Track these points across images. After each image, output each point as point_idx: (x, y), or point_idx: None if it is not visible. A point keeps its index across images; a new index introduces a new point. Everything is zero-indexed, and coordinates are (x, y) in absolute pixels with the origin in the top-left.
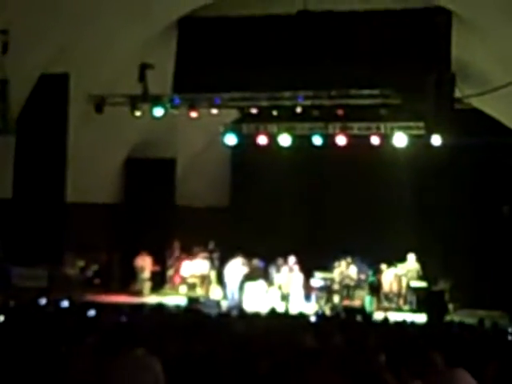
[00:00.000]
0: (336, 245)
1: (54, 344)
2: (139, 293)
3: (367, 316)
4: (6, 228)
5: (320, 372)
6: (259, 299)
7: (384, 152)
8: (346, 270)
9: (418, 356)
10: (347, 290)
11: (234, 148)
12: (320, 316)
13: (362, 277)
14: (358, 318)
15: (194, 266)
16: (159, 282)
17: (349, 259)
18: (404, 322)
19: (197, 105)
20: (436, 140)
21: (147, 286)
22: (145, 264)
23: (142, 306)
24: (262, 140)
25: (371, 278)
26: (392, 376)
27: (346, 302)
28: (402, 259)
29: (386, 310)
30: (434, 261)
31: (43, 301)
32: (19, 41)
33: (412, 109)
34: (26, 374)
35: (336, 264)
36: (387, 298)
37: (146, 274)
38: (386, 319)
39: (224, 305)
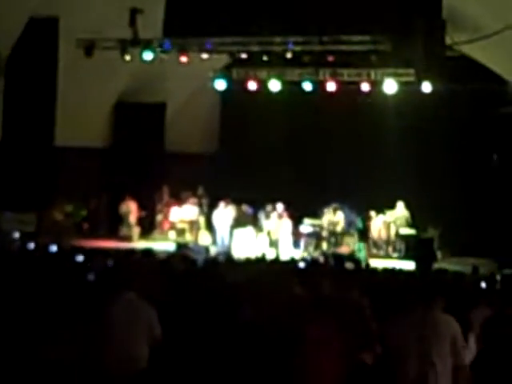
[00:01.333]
0: (325, 191)
1: (45, 287)
2: (128, 238)
3: (356, 262)
4: None
5: (312, 321)
6: (248, 245)
7: (374, 98)
8: (334, 216)
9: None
10: (336, 236)
11: (223, 93)
12: (308, 262)
13: (351, 223)
14: (347, 264)
15: (183, 212)
16: (148, 227)
17: (337, 206)
18: (393, 269)
19: (187, 49)
20: (426, 87)
21: (135, 231)
22: (129, 209)
23: (132, 251)
24: (252, 85)
25: (360, 225)
26: (376, 324)
27: (335, 249)
28: (391, 206)
29: (374, 256)
30: (423, 208)
31: (31, 245)
32: None
33: (402, 55)
34: (15, 319)
35: (325, 211)
36: (376, 245)
37: (132, 219)
38: (374, 267)
39: (213, 250)
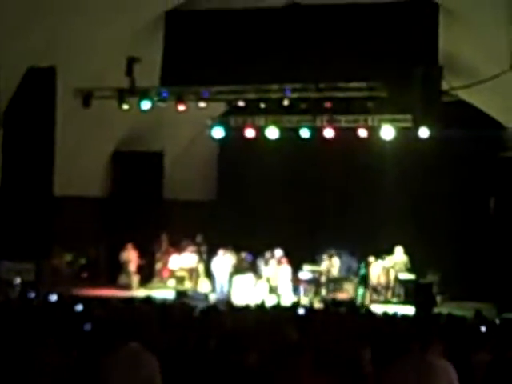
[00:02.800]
0: (324, 237)
1: (40, 339)
2: (127, 286)
3: (356, 309)
4: None
5: (301, 369)
6: (247, 292)
7: (371, 145)
8: (330, 262)
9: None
10: (335, 282)
11: (221, 141)
12: (308, 309)
13: (350, 269)
14: (347, 310)
15: (182, 260)
16: (147, 275)
17: (333, 252)
18: (394, 314)
19: (184, 98)
20: (423, 132)
21: (135, 279)
22: (130, 257)
23: (132, 299)
24: (250, 133)
25: (363, 271)
26: (373, 370)
27: (334, 295)
28: (390, 252)
29: (374, 302)
30: (422, 253)
31: (31, 295)
32: (5, 34)
33: (399, 101)
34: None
35: (324, 257)
36: (375, 290)
37: (132, 268)
38: (373, 312)
39: (212, 298)
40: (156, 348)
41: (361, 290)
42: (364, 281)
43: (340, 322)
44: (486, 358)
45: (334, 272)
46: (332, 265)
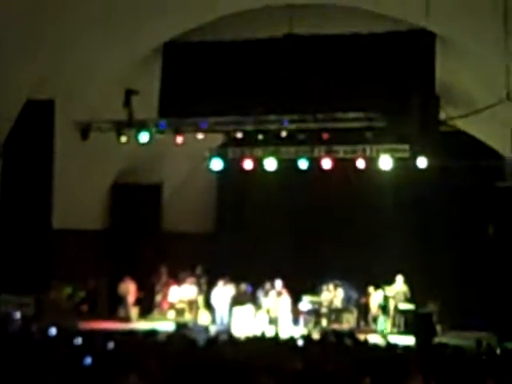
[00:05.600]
0: (323, 268)
1: (43, 373)
2: (127, 319)
3: (356, 339)
4: None
5: None
6: (247, 323)
7: (370, 175)
8: (333, 293)
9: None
10: (335, 313)
11: (219, 173)
12: (308, 340)
13: (350, 299)
14: (347, 341)
15: (182, 291)
16: (147, 307)
17: (336, 282)
18: (395, 345)
19: (182, 129)
20: (422, 162)
21: (133, 311)
22: (128, 290)
23: (133, 332)
24: (248, 164)
25: (381, 302)
26: None
27: (335, 326)
28: (390, 281)
29: (373, 332)
30: (421, 282)
31: (32, 329)
32: (4, 67)
33: (397, 131)
34: None
35: (324, 287)
36: (375, 320)
37: (130, 300)
38: (370, 343)
39: (212, 329)
40: (157, 381)
41: (382, 319)
42: (384, 309)
43: (340, 352)
44: None
45: (337, 302)
46: (336, 295)
